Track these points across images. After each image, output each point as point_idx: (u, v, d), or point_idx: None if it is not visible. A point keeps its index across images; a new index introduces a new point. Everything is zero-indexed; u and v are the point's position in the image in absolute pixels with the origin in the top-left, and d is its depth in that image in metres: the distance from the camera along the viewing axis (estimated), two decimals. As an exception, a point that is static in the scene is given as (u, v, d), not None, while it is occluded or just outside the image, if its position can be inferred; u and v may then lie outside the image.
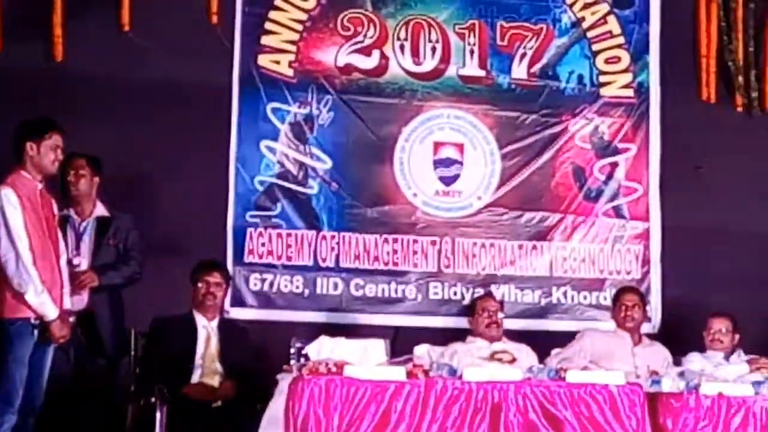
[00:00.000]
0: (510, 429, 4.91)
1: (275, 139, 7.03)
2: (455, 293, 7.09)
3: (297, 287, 6.92)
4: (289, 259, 6.94)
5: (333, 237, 7.01)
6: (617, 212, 7.32)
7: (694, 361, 6.21)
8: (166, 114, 6.73)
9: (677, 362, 6.25)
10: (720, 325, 6.33)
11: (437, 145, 7.22)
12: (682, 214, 7.24)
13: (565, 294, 7.22)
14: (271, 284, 6.90)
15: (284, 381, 4.97)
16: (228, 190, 6.92)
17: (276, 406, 4.96)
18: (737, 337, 6.35)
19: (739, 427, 5.19)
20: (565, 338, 6.42)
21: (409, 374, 4.99)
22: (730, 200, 7.33)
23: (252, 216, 6.95)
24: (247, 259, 6.89)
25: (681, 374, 5.66)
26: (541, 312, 7.16)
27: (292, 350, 5.13)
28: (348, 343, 5.82)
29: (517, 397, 4.98)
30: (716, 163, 7.36)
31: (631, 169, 7.35)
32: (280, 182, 7.01)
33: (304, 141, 7.06)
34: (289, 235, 6.97)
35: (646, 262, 7.28)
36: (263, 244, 6.92)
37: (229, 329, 5.79)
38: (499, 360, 5.77)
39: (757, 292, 7.15)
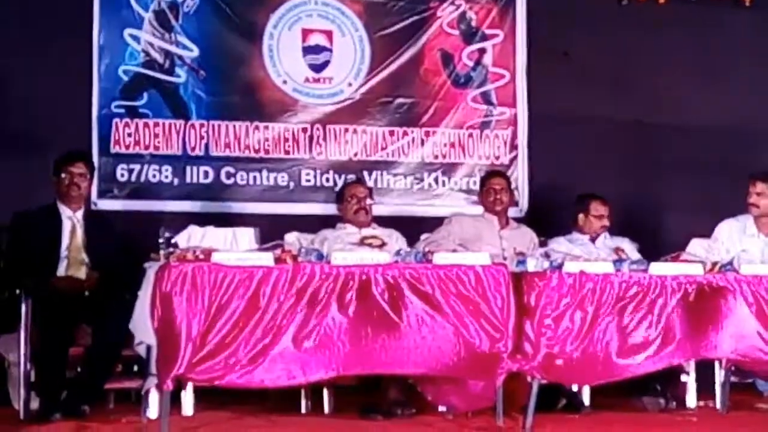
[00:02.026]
0: (378, 306, 4.97)
1: (139, 27, 6.88)
2: (327, 180, 7.11)
3: (166, 177, 6.85)
4: (156, 148, 6.85)
5: (202, 125, 6.94)
6: (485, 98, 7.39)
7: (560, 243, 6.37)
8: (24, 2, 6.49)
9: (543, 245, 6.40)
10: (605, 210, 6.48)
11: (305, 32, 7.15)
12: (550, 100, 7.33)
13: (436, 179, 7.29)
14: (139, 174, 6.81)
15: (151, 269, 4.93)
16: (92, 80, 6.75)
17: (145, 295, 4.92)
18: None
19: (599, 303, 5.33)
20: (435, 223, 6.50)
21: (278, 260, 5.00)
22: (596, 86, 7.42)
23: (117, 106, 6.82)
24: (114, 149, 6.78)
25: (546, 255, 5.79)
26: (412, 197, 7.21)
27: (161, 240, 5.07)
28: (217, 231, 5.83)
29: (385, 277, 5.03)
30: (583, 50, 7.44)
31: (499, 56, 7.41)
32: (145, 71, 6.89)
33: (169, 29, 6.91)
34: (156, 124, 6.87)
35: (513, 147, 7.38)
36: (129, 135, 6.81)
37: (94, 220, 5.70)
38: (369, 245, 5.84)
39: (620, 176, 7.31)
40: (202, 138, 6.92)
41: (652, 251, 6.10)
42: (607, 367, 5.33)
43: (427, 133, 7.30)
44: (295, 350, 4.86)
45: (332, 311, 4.93)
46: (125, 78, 6.84)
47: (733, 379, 6.05)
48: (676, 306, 5.42)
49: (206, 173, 6.92)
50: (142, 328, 4.88)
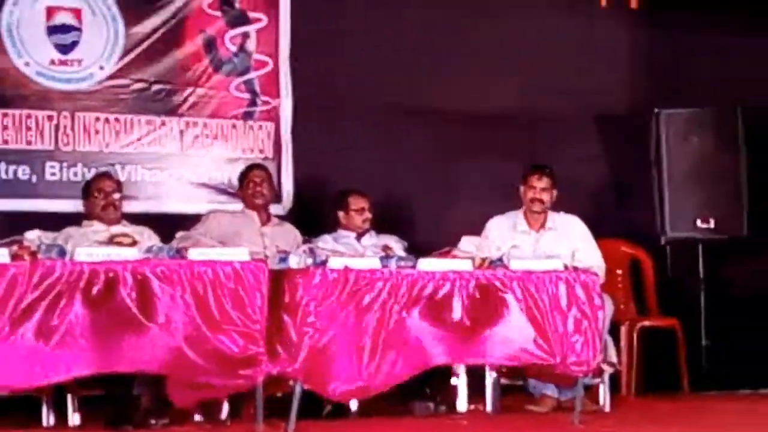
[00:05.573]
0: (125, 304, 5.06)
1: None
2: (75, 174, 7.12)
3: None
4: None
5: (-72, 114, 6.85)
6: (248, 87, 7.54)
7: (326, 242, 6.60)
8: None
9: (308, 243, 6.61)
10: (364, 203, 6.73)
11: (51, 10, 7.14)
12: (318, 88, 7.53)
13: (194, 173, 7.38)
14: None
15: None
16: None
17: None
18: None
19: (365, 299, 5.59)
20: (193, 222, 6.64)
21: (14, 256, 5.05)
22: (370, 73, 7.64)
23: None
24: None
25: (310, 251, 6.01)
26: (168, 193, 7.30)
27: None
28: (-53, 229, 5.77)
29: (135, 276, 5.15)
30: (357, 32, 7.65)
31: (262, 41, 7.57)
32: None
33: None
34: None
35: (278, 140, 7.56)
36: None
37: None
38: (119, 243, 5.92)
39: (394, 168, 7.59)
40: (-72, 127, 6.84)
41: (434, 243, 6.40)
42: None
43: (187, 123, 7.40)
44: (35, 351, 4.92)
45: (75, 309, 5.03)
46: None
47: (504, 381, 6.46)
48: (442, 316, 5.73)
49: (-67, 168, 6.85)
50: None
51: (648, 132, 7.83)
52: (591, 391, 6.53)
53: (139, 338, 5.11)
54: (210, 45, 7.47)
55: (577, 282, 6.02)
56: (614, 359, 6.67)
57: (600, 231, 6.99)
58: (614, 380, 6.86)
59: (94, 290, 5.06)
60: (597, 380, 6.49)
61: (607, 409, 6.56)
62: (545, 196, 6.70)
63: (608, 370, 6.52)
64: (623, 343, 7.27)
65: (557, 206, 6.84)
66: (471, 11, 7.92)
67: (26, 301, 4.93)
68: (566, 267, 6.10)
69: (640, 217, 7.91)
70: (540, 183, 6.70)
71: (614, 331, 6.97)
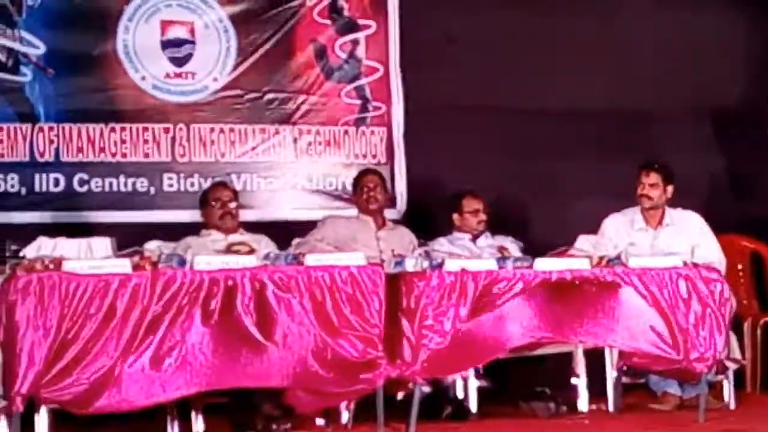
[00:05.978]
0: (245, 313, 5.11)
1: (-23, 25, 6.92)
2: (192, 185, 7.22)
3: (12, 186, 6.90)
4: (0, 155, 6.88)
5: (51, 129, 7.00)
6: (359, 93, 7.57)
7: (441, 244, 6.59)
8: None
9: (424, 246, 6.62)
10: (478, 205, 6.71)
11: (165, 24, 7.26)
12: (429, 92, 7.52)
13: (309, 180, 7.43)
14: (-18, 184, 6.87)
15: (-4, 283, 5.00)
16: (-74, 84, 6.81)
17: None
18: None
19: (481, 301, 5.57)
20: (309, 229, 6.69)
21: (136, 267, 5.13)
22: (479, 75, 7.62)
23: (-45, 110, 6.86)
24: (-49, 157, 6.84)
25: (426, 254, 6.02)
26: (283, 200, 7.36)
27: (7, 253, 5.16)
28: (70, 242, 5.89)
29: (254, 283, 5.20)
30: (464, 36, 7.64)
31: (372, 47, 7.59)
32: (-14, 72, 6.92)
33: (11, 25, 6.97)
34: (0, 129, 6.88)
35: (390, 144, 7.57)
36: (-30, 141, 6.86)
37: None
38: (237, 252, 6.01)
39: (508, 169, 7.54)
40: (51, 142, 6.99)
41: (550, 243, 6.35)
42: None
43: (300, 131, 7.45)
44: (156, 365, 5.01)
45: (195, 321, 5.09)
46: (-37, 80, 6.89)
47: (625, 380, 6.37)
48: (559, 298, 5.73)
49: (57, 181, 6.98)
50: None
51: (765, 122, 7.66)
52: (714, 389, 6.41)
53: (257, 353, 5.17)
54: (321, 53, 7.52)
55: (698, 278, 5.97)
56: (737, 355, 6.54)
57: (719, 226, 6.87)
58: (738, 377, 6.70)
59: (213, 304, 5.11)
60: (720, 377, 6.37)
61: (732, 406, 6.43)
62: (654, 192, 6.63)
63: (732, 366, 6.39)
64: (747, 339, 7.10)
65: (674, 202, 6.74)
66: (579, 8, 7.83)
67: (150, 314, 5.00)
68: (685, 263, 6.03)
69: (760, 210, 7.74)
70: (648, 179, 6.63)
71: (737, 327, 6.82)
